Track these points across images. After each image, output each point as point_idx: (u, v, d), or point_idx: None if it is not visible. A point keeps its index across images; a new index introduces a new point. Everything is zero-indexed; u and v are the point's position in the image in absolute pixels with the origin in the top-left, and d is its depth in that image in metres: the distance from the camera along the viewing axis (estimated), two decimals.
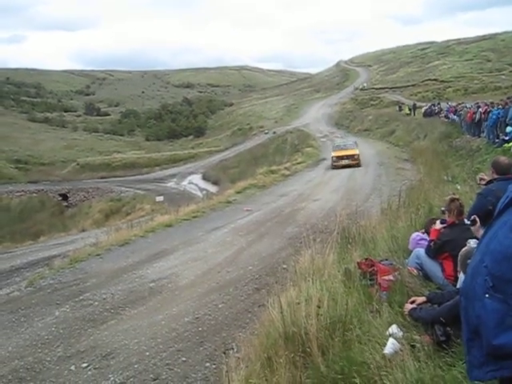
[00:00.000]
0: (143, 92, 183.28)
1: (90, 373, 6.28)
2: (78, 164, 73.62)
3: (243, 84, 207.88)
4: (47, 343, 7.33)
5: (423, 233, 6.30)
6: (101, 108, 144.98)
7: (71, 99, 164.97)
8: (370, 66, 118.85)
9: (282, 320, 4.74)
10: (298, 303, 4.85)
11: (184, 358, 6.37)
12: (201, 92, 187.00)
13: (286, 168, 30.67)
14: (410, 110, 48.76)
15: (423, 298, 4.40)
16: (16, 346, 7.38)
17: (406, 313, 4.31)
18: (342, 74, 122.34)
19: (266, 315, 5.34)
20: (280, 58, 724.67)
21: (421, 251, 5.59)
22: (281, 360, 4.24)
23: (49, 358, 6.82)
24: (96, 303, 8.88)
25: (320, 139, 47.82)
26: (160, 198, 32.49)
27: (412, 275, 5.27)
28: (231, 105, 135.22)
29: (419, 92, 67.52)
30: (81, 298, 9.29)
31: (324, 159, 33.48)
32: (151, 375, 6.03)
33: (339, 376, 3.86)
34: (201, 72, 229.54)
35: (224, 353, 5.87)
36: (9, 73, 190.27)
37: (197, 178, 51.92)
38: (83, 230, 29.58)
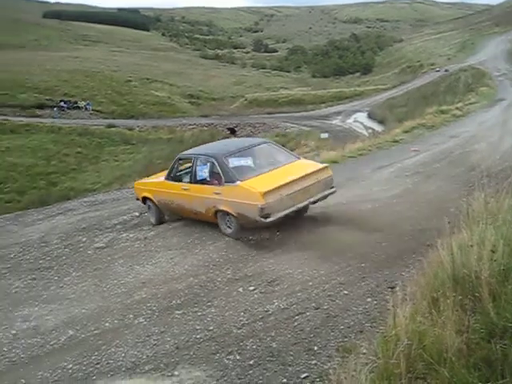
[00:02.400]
0: (310, 28, 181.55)
1: (256, 296, 6.65)
2: (245, 99, 76.11)
3: (414, 18, 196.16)
4: (218, 265, 7.84)
5: None
6: (268, 44, 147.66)
7: (240, 36, 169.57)
8: None
9: (451, 261, 4.59)
10: (471, 246, 4.65)
11: (346, 292, 6.46)
12: (369, 27, 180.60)
13: (457, 108, 28.84)
14: None
15: None
16: (191, 265, 8.01)
17: None
18: None
19: (435, 256, 5.21)
20: None
21: None
22: (448, 301, 4.13)
23: (219, 279, 7.32)
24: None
25: (497, 78, 44.11)
26: (325, 135, 32.03)
27: None
28: (401, 41, 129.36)
29: None
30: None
31: (501, 100, 30.91)
32: (313, 304, 6.21)
33: (510, 324, 3.71)
34: (369, 6, 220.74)
35: (391, 287, 5.87)
36: (183, 12, 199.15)
37: (362, 117, 51.41)
38: None
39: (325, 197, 9.33)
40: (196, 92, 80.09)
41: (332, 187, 9.48)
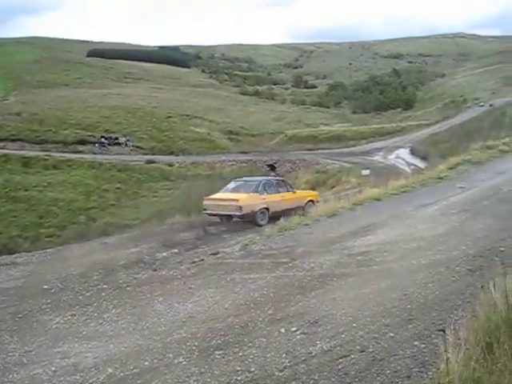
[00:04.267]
0: (351, 64, 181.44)
1: (298, 337, 6.43)
2: (285, 136, 75.10)
3: (457, 53, 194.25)
4: (259, 304, 7.68)
5: None
6: (308, 80, 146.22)
7: (280, 72, 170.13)
8: None
9: (505, 304, 4.37)
10: None
11: (392, 334, 6.19)
12: (410, 62, 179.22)
13: (504, 143, 28.13)
14: None
15: None
16: (231, 303, 7.88)
17: None
18: None
19: (487, 298, 4.96)
20: (500, 23, 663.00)
21: None
22: (504, 347, 3.90)
23: (260, 319, 7.14)
24: (304, 271, 9.07)
25: None
26: (366, 172, 32.06)
27: None
28: (443, 75, 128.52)
29: None
30: (290, 265, 9.58)
31: None
32: (358, 347, 5.97)
33: None
34: (411, 41, 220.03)
35: (441, 331, 5.60)
36: (223, 49, 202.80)
37: (404, 153, 50.54)
38: None
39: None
40: (235, 128, 79.17)
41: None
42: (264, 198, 16.40)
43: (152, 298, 8.74)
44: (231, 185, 18.23)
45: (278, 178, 22.56)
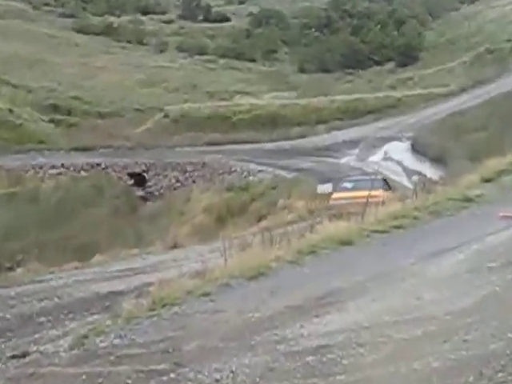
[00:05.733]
0: None
1: None
2: (165, 115, 45.92)
3: None
4: None
5: None
6: (212, 6, 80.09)
7: None
8: None
9: None
10: None
11: None
12: None
13: None
14: None
15: None
16: None
17: None
18: None
19: None
20: None
21: None
22: None
23: None
24: None
25: None
26: (326, 187, 22.29)
27: None
28: (473, 1, 73.96)
29: None
30: (172, 376, 5.82)
31: None
32: None
33: None
34: None
35: None
36: None
37: (400, 150, 34.33)
38: (175, 246, 19.43)
39: None
40: (65, 100, 48.53)
41: None
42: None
43: None
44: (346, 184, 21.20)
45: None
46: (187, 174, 35.23)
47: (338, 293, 8.00)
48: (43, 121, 44.59)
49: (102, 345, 7.00)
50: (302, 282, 8.58)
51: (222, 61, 64.29)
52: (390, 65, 61.91)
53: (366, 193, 16.83)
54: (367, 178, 21.73)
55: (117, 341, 7.05)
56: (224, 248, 10.38)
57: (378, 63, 62.34)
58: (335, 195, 19.70)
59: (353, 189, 20.19)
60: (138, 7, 78.89)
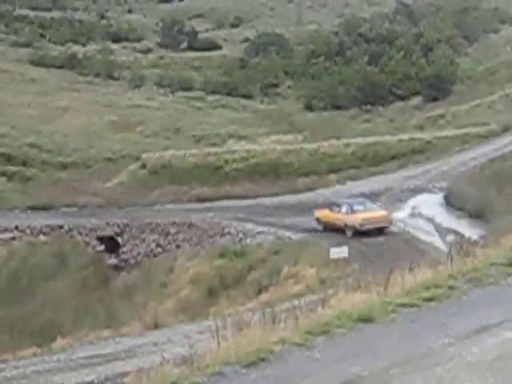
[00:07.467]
0: None
1: None
2: (142, 166, 39.74)
3: None
4: None
5: None
6: (198, 32, 71.76)
7: (129, 11, 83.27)
8: None
9: None
10: None
11: None
12: None
13: None
14: None
15: None
16: None
17: None
18: None
19: None
20: None
21: None
22: None
23: None
24: None
25: None
26: (340, 252, 19.89)
27: None
28: None
29: None
30: None
31: None
32: None
33: None
34: None
35: None
36: None
37: (431, 203, 29.73)
38: (155, 326, 17.27)
39: None
40: (20, 148, 41.43)
41: None
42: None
43: None
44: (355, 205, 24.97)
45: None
46: (170, 238, 30.31)
47: (356, 383, 6.56)
48: None
49: None
50: (312, 370, 7.03)
51: (210, 98, 56.08)
52: (417, 100, 53.44)
53: (380, 212, 21.65)
54: (359, 200, 27.40)
55: None
56: (216, 328, 8.63)
57: (401, 98, 53.82)
58: (362, 215, 23.52)
59: (366, 210, 24.41)
60: (108, 33, 67.76)
